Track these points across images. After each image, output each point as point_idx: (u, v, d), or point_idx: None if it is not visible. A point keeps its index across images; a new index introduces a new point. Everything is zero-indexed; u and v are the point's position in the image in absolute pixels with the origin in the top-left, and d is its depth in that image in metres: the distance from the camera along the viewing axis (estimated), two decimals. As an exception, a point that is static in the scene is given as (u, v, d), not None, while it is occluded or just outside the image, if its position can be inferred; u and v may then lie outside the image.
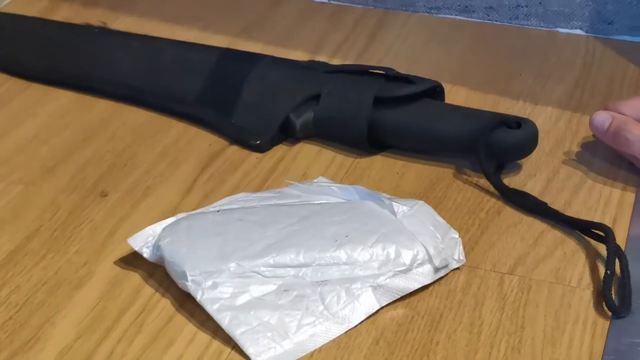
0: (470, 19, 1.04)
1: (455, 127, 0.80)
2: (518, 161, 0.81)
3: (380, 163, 0.82)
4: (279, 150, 0.85)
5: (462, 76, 0.93)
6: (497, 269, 0.70)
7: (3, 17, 1.06)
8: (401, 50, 0.99)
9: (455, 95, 0.88)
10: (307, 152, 0.84)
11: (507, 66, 0.95)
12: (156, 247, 0.70)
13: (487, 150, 0.77)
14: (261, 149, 0.84)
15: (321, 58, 0.96)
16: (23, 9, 1.08)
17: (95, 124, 0.90)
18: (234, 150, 0.85)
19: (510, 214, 0.75)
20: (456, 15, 1.04)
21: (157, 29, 1.03)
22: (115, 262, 0.72)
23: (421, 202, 0.73)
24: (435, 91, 0.84)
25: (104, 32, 1.00)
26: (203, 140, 0.87)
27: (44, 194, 0.80)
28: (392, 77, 0.84)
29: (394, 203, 0.72)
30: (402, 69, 0.86)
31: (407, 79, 0.84)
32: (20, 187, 0.81)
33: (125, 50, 0.96)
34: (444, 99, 0.85)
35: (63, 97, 0.94)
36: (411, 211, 0.72)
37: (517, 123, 0.79)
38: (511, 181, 0.79)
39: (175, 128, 0.89)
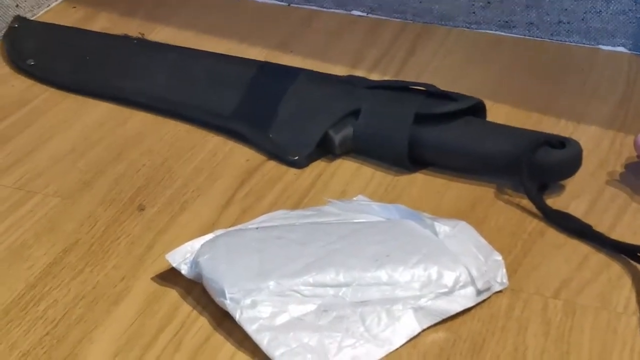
0: (510, 35, 1.03)
1: (497, 145, 0.79)
2: (561, 182, 0.79)
3: (420, 181, 0.81)
4: (317, 166, 0.84)
5: (503, 93, 0.92)
6: (541, 293, 0.69)
7: (41, 27, 1.06)
8: (440, 65, 0.98)
9: (496, 113, 0.87)
10: (346, 168, 0.83)
11: (549, 84, 0.94)
12: (194, 263, 0.70)
13: (530, 170, 0.76)
14: (299, 164, 0.83)
15: (359, 73, 0.95)
16: (60, 19, 1.09)
17: (131, 137, 0.89)
18: (272, 166, 0.84)
19: (554, 235, 0.74)
20: (496, 30, 1.03)
21: (194, 41, 1.03)
22: (152, 278, 0.72)
23: (463, 223, 0.72)
24: (476, 108, 0.83)
25: (142, 44, 1.00)
26: (240, 155, 0.86)
27: (81, 207, 0.80)
28: (433, 93, 0.83)
29: (435, 223, 0.71)
30: (442, 84, 0.85)
31: (448, 96, 0.82)
32: (57, 199, 0.81)
33: (162, 63, 0.96)
34: (485, 117, 0.84)
35: (99, 109, 0.93)
36: (453, 232, 0.70)
37: (561, 143, 0.77)
38: (554, 202, 0.77)
39: (212, 142, 0.88)
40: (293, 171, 0.83)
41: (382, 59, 1.00)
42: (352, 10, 1.09)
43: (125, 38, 1.01)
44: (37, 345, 0.66)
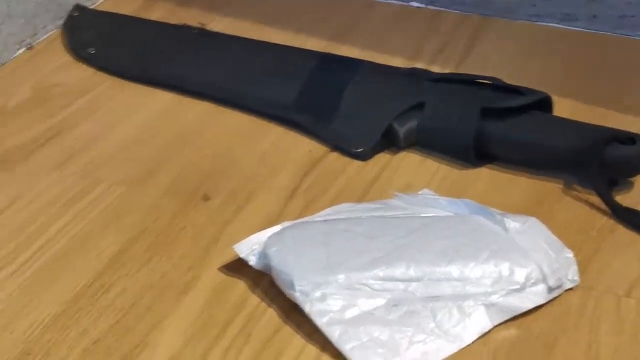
0: (572, 28, 1.02)
1: (565, 140, 0.78)
2: (630, 178, 0.78)
3: (485, 175, 0.81)
4: (381, 159, 0.84)
5: (565, 87, 0.91)
6: (613, 291, 0.68)
7: (100, 16, 1.06)
8: (501, 58, 0.98)
9: (559, 107, 0.86)
10: (410, 161, 0.83)
11: (612, 78, 0.93)
12: (263, 255, 0.70)
13: (599, 166, 0.75)
14: (363, 157, 0.83)
15: (419, 64, 0.95)
16: (118, 7, 1.09)
17: (194, 126, 0.89)
18: (335, 158, 0.84)
19: (624, 233, 0.73)
20: (557, 23, 1.02)
21: (252, 30, 1.03)
22: (219, 269, 0.72)
23: (533, 219, 0.71)
24: (543, 103, 0.82)
25: (203, 34, 1.00)
26: (303, 146, 0.86)
27: (146, 196, 0.80)
28: (499, 87, 0.83)
29: (505, 219, 0.70)
30: (502, 77, 0.85)
31: (514, 90, 0.82)
32: (122, 188, 0.81)
33: (224, 53, 0.96)
34: (552, 111, 0.83)
35: (160, 98, 0.94)
36: (523, 227, 0.70)
37: (630, 139, 0.76)
38: (623, 199, 0.77)
39: (274, 132, 0.88)
40: (356, 163, 0.83)
41: (442, 51, 0.99)
42: (411, 1, 1.08)
43: (186, 28, 1.01)
44: (107, 333, 0.67)
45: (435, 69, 0.94)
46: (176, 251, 0.74)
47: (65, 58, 1.00)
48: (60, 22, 1.06)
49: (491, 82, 0.83)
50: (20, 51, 1.00)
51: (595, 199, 0.76)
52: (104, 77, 0.97)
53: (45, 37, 1.03)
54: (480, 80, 0.84)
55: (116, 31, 1.03)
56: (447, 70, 0.95)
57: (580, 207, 0.76)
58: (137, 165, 0.84)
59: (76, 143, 0.87)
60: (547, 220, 0.74)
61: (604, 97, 0.90)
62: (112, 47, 1.00)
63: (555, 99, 0.87)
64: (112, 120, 0.90)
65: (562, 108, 0.87)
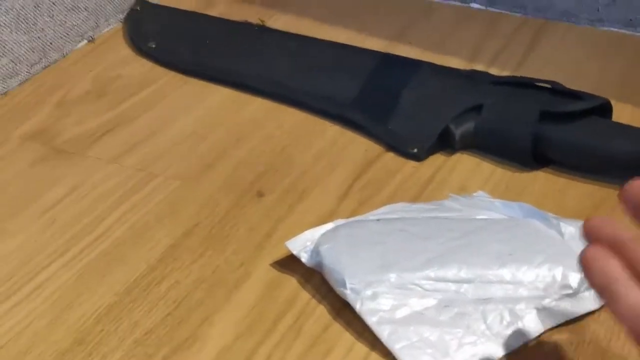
0: (634, 33, 1.00)
1: (624, 146, 0.77)
2: (690, 186, 0.77)
3: (541, 179, 0.80)
4: (436, 160, 0.83)
5: (626, 93, 0.90)
6: (669, 299, 0.67)
7: (162, 10, 1.07)
8: (561, 62, 0.97)
9: (618, 113, 0.85)
10: (466, 163, 0.83)
11: (675, 84, 0.92)
12: (315, 252, 0.70)
13: (658, 173, 0.74)
14: (418, 157, 0.83)
15: (478, 66, 0.94)
16: (180, 3, 1.10)
17: (251, 123, 0.90)
18: (390, 158, 0.84)
19: (681, 241, 0.72)
20: (620, 28, 1.01)
21: (311, 29, 1.03)
22: (271, 265, 0.72)
23: (589, 224, 0.70)
24: (602, 108, 0.81)
25: (263, 31, 1.00)
26: (359, 145, 0.86)
27: (201, 190, 0.80)
28: (558, 91, 0.82)
29: (561, 223, 0.69)
30: (562, 81, 0.84)
31: (574, 94, 0.81)
32: (178, 182, 0.82)
33: (283, 51, 0.96)
34: (611, 117, 0.82)
35: (219, 94, 0.94)
36: (579, 233, 0.69)
37: (690, 147, 0.75)
38: (682, 207, 0.75)
39: (331, 131, 0.88)
40: (412, 164, 0.83)
41: (501, 53, 0.99)
42: (471, 3, 1.08)
43: (246, 24, 1.02)
44: (159, 325, 0.67)
45: (494, 71, 0.94)
46: (229, 246, 0.74)
47: (126, 51, 1.01)
48: (122, 15, 1.07)
49: (550, 86, 0.82)
50: (82, 43, 1.02)
51: (653, 206, 0.75)
52: (164, 71, 0.98)
53: (106, 30, 1.04)
54: (540, 84, 0.84)
55: (177, 26, 1.04)
56: (505, 73, 0.94)
57: (637, 214, 0.75)
58: (192, 160, 0.84)
59: (134, 136, 0.88)
60: (604, 226, 0.74)
61: (666, 104, 0.88)
62: (172, 42, 1.01)
63: (615, 104, 0.86)
64: (170, 114, 0.91)
65: (622, 114, 0.85)
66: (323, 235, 0.71)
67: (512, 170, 0.81)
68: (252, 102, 0.93)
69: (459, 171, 0.82)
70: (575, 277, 0.66)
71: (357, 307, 0.66)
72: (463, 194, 0.77)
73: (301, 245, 0.71)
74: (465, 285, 0.66)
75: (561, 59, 0.98)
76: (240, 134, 0.88)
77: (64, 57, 1.00)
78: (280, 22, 1.05)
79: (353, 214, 0.76)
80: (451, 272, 0.67)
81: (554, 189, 0.79)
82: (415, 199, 0.79)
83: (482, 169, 0.82)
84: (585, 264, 0.54)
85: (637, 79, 0.93)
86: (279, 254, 0.73)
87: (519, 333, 0.64)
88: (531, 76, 0.89)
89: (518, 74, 0.94)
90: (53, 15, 0.97)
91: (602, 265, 0.53)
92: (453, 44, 1.00)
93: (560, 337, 0.65)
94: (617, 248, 0.54)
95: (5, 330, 0.67)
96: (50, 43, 0.98)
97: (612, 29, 1.01)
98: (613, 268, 0.53)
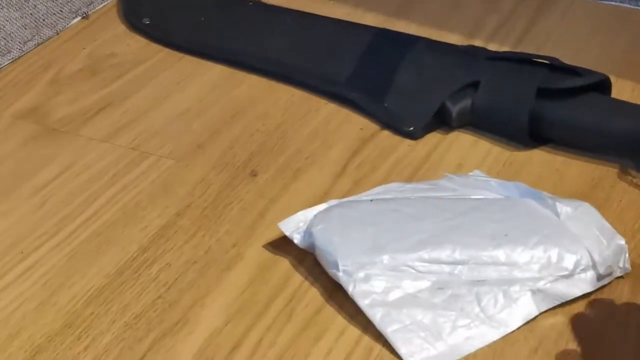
0: (637, 7, 0.99)
1: (622, 124, 0.76)
2: (689, 165, 0.76)
3: (539, 158, 0.79)
4: (433, 138, 0.82)
5: (628, 69, 0.89)
6: (666, 281, 0.66)
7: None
8: (562, 37, 0.95)
9: (620, 89, 0.84)
10: (462, 142, 0.81)
11: (678, 60, 0.90)
12: (308, 233, 0.69)
13: (657, 151, 0.73)
14: (414, 136, 0.82)
15: (478, 42, 0.93)
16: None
17: (245, 100, 0.89)
18: (386, 136, 0.83)
19: (681, 221, 0.71)
20: (622, 2, 0.99)
21: (308, 4, 1.01)
22: (264, 246, 0.71)
23: (586, 204, 0.69)
24: (601, 85, 0.80)
25: (258, 7, 0.99)
26: (354, 124, 0.85)
27: (194, 170, 0.80)
28: (556, 67, 0.80)
29: (557, 203, 0.68)
30: (564, 57, 0.83)
31: (572, 70, 0.80)
32: (171, 161, 0.81)
33: (279, 27, 0.95)
34: (610, 94, 0.81)
35: (214, 71, 0.93)
36: (575, 213, 0.68)
37: (691, 124, 0.74)
38: (681, 186, 0.74)
39: (326, 109, 0.87)
40: (407, 142, 0.82)
41: (501, 28, 0.97)
42: (471, -23, 1.06)
43: (241, 0, 1.00)
44: (149, 308, 0.66)
45: (494, 46, 0.93)
46: (221, 226, 0.73)
47: (120, 28, 1.00)
48: (117, -8, 1.05)
49: (549, 62, 0.81)
50: (76, 20, 1.00)
51: (652, 185, 0.74)
52: (158, 48, 0.97)
53: (100, 6, 1.03)
54: (538, 60, 0.82)
55: (172, 2, 1.02)
56: (505, 49, 0.93)
57: (635, 193, 0.74)
58: (186, 139, 0.83)
59: (127, 114, 0.87)
60: (601, 205, 0.72)
61: (667, 80, 0.87)
62: (167, 19, 1.00)
63: (616, 80, 0.84)
64: (164, 92, 0.90)
65: (623, 90, 0.84)
66: (316, 216, 0.70)
67: (510, 149, 0.80)
68: (247, 79, 0.91)
69: (455, 149, 0.81)
70: (570, 258, 0.65)
71: (350, 289, 0.65)
72: (459, 172, 0.76)
73: (294, 226, 0.70)
74: (459, 267, 0.65)
75: (563, 35, 0.96)
76: (235, 111, 0.87)
77: (57, 34, 0.98)
78: (277, -3, 1.04)
79: (348, 193, 0.75)
80: (445, 254, 0.66)
81: (552, 168, 0.78)
82: (410, 177, 0.78)
83: (478, 147, 0.81)
84: None
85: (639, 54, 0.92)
86: (272, 235, 0.72)
87: (513, 315, 0.64)
88: (531, 52, 0.87)
89: (518, 49, 0.93)
90: (46, -8, 0.96)
91: None
92: (452, 19, 0.99)
93: (555, 319, 0.64)
94: None
95: (-5, 313, 0.67)
96: (43, 20, 0.96)
97: (613, 2, 1.00)
98: None
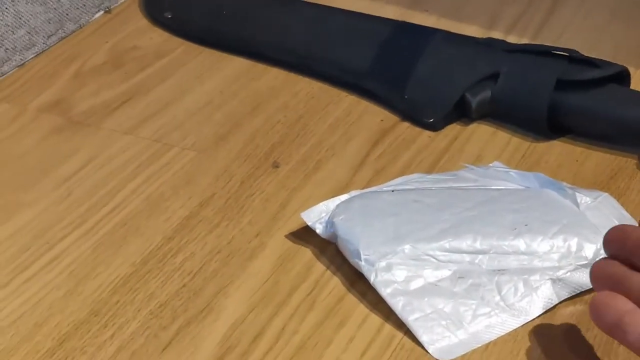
0: (655, -3, 0.99)
1: (640, 115, 0.77)
2: None
3: (558, 149, 0.80)
4: (453, 129, 0.83)
5: (646, 59, 0.89)
6: (685, 270, 0.66)
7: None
8: (581, 28, 0.96)
9: (639, 81, 0.84)
10: (482, 133, 0.82)
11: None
12: (330, 223, 0.70)
13: (675, 141, 0.74)
14: (434, 127, 0.83)
15: (496, 33, 0.94)
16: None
17: (266, 93, 0.89)
18: (406, 127, 0.84)
19: (699, 211, 0.72)
20: (642, -8, 1.00)
21: (327, -3, 1.02)
22: (286, 236, 0.72)
23: (605, 194, 0.70)
24: (620, 76, 0.81)
25: (277, 0, 1.00)
26: (374, 115, 0.85)
27: (217, 161, 0.80)
28: (575, 59, 0.81)
29: (576, 193, 0.69)
30: (583, 48, 0.83)
31: (591, 62, 0.80)
32: (193, 153, 0.82)
33: (298, 19, 0.96)
34: (629, 85, 0.82)
35: (234, 64, 0.94)
36: (595, 203, 0.69)
37: None
38: (700, 176, 0.75)
39: (346, 100, 0.88)
40: (427, 133, 0.83)
41: (520, 19, 0.98)
42: (490, -31, 1.06)
43: (261, -7, 1.01)
44: (174, 296, 0.67)
45: (513, 38, 0.93)
46: (244, 217, 0.74)
47: (142, 22, 1.01)
48: (138, -14, 1.06)
49: (567, 54, 0.82)
50: (98, 14, 1.02)
51: (671, 176, 0.75)
52: (180, 42, 0.97)
53: (123, 0, 1.04)
54: (557, 52, 0.83)
55: (192, -5, 1.03)
56: (524, 40, 0.93)
57: (655, 184, 0.75)
58: (208, 131, 0.84)
59: (149, 107, 0.88)
60: (621, 196, 0.73)
61: (686, 71, 0.87)
62: (189, 12, 1.01)
63: (634, 71, 0.85)
64: (186, 85, 0.91)
65: (641, 81, 0.85)
66: (338, 206, 0.71)
67: (529, 140, 0.81)
68: (267, 71, 0.92)
69: (475, 141, 0.81)
70: (590, 248, 0.66)
71: (372, 278, 0.66)
72: (479, 164, 0.77)
73: (316, 216, 0.71)
74: (480, 256, 0.66)
75: (582, 23, 0.97)
76: (256, 103, 0.88)
77: (81, 28, 1.00)
78: (297, -10, 1.05)
79: (368, 184, 0.76)
80: (466, 243, 0.66)
81: (571, 159, 0.78)
82: (430, 169, 0.78)
83: (498, 138, 0.81)
84: (595, 311, 0.57)
85: (659, 45, 0.93)
86: (294, 225, 0.73)
87: (533, 304, 0.64)
88: (550, 43, 0.88)
89: (537, 40, 0.93)
90: (69, -14, 0.97)
91: (610, 305, 0.56)
92: (470, 10, 1.00)
93: (575, 308, 0.65)
94: (622, 285, 0.56)
95: (22, 302, 0.68)
96: (67, 14, 0.98)
97: (632, -7, 1.00)
98: (621, 305, 0.56)
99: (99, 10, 1.01)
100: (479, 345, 0.62)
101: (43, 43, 0.96)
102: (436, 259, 0.66)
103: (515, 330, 0.63)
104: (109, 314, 0.66)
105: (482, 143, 0.81)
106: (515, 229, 0.67)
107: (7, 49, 0.92)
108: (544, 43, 0.89)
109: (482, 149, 0.80)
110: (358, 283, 0.67)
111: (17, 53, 0.93)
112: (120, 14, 1.02)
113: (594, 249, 0.65)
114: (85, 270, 0.70)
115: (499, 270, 0.66)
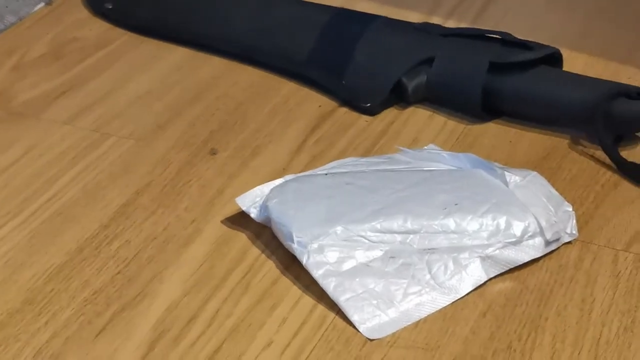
0: (592, -17, 1.00)
1: (572, 96, 0.78)
2: (637, 134, 0.78)
3: (492, 131, 0.81)
4: (390, 113, 0.84)
5: (583, 42, 0.90)
6: (612, 245, 0.68)
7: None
8: (519, 13, 0.97)
9: (574, 63, 0.86)
10: (418, 116, 0.83)
11: (632, 34, 0.92)
12: (264, 207, 0.70)
13: (606, 120, 0.75)
14: (372, 111, 0.83)
15: (436, 20, 0.94)
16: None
17: (207, 81, 0.90)
18: (344, 112, 0.84)
19: (628, 188, 0.73)
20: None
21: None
22: (222, 221, 0.73)
23: (534, 173, 0.71)
24: (553, 58, 0.82)
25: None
26: (313, 101, 0.86)
27: (155, 149, 0.81)
28: (508, 42, 0.82)
29: (506, 173, 0.70)
30: (520, 33, 0.84)
31: (524, 45, 0.81)
32: (131, 141, 0.82)
33: (240, 9, 0.96)
34: (561, 67, 0.83)
35: (176, 53, 0.94)
36: (524, 182, 0.70)
37: (638, 94, 0.76)
38: (629, 154, 0.76)
39: (286, 87, 0.88)
40: (365, 118, 0.83)
41: (459, 5, 0.99)
42: (431, -44, 1.07)
43: (203, -17, 1.01)
44: (109, 283, 0.68)
45: (452, 23, 0.94)
46: (181, 204, 0.75)
47: (83, 13, 1.01)
48: (80, -22, 1.06)
49: (501, 37, 0.82)
50: (39, 6, 1.01)
51: (601, 154, 0.76)
52: (121, 32, 0.97)
53: (64, -8, 1.04)
54: (491, 35, 0.84)
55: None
56: (463, 25, 0.94)
57: (586, 162, 0.76)
58: (147, 120, 0.84)
59: (89, 97, 0.88)
60: (553, 174, 0.74)
61: (621, 53, 0.89)
62: (129, 2, 1.00)
63: (570, 53, 0.86)
64: (126, 75, 0.91)
65: (577, 63, 0.86)
66: (272, 190, 0.71)
67: (464, 123, 0.82)
68: (209, 60, 0.93)
69: (411, 124, 0.82)
70: (518, 226, 0.66)
71: (304, 260, 0.66)
72: (414, 147, 0.78)
73: (250, 201, 0.71)
74: (410, 236, 0.67)
75: (520, 10, 0.98)
76: (196, 92, 0.88)
77: (21, 20, 0.99)
78: (240, -20, 1.05)
79: (306, 168, 0.77)
80: (397, 223, 0.67)
81: (505, 140, 0.79)
82: (367, 152, 0.79)
83: (434, 122, 0.82)
84: None
85: (596, 28, 0.94)
86: (230, 210, 0.73)
87: (463, 282, 0.65)
88: (489, 28, 0.89)
89: (476, 26, 0.94)
90: (9, -22, 0.96)
91: None
92: (412, -2, 1.00)
93: (504, 284, 0.66)
94: None
95: (-43, 292, 0.68)
96: (6, 6, 0.97)
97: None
98: None
99: (39, 3, 1.01)
100: (410, 323, 0.63)
101: (-18, 36, 0.96)
102: (368, 239, 0.67)
103: (445, 307, 0.64)
104: (44, 302, 0.66)
105: (419, 126, 0.82)
106: (446, 208, 0.68)
107: (-55, 42, 0.92)
108: (481, 28, 0.90)
109: (419, 132, 0.81)
110: (292, 266, 0.68)
111: (-43, 46, 0.93)
112: (61, 6, 1.02)
113: (522, 227, 0.66)
114: (21, 259, 0.70)
115: (429, 249, 0.66)
